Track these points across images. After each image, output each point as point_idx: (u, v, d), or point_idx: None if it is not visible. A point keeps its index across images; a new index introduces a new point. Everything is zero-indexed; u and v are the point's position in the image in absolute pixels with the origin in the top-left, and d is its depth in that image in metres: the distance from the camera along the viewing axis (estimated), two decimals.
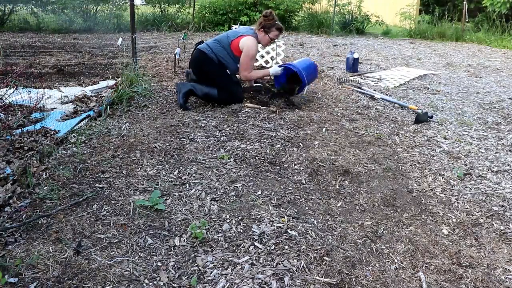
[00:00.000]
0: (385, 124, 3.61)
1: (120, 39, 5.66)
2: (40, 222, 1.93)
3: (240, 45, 3.77)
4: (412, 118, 3.79)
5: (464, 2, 10.57)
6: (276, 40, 4.20)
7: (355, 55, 5.97)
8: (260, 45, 4.06)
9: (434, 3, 12.17)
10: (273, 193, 2.30)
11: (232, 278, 1.64)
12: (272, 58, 5.87)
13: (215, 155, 2.75)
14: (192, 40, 8.06)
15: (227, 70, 3.87)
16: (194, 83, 3.82)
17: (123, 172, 2.46)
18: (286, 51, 7.08)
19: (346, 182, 2.52)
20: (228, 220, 2.03)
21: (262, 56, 5.91)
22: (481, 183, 2.60)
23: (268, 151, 2.82)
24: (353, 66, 5.98)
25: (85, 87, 4.49)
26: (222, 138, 3.02)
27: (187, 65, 5.13)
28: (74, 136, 2.92)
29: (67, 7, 10.38)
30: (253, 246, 1.83)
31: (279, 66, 4.05)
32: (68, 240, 1.81)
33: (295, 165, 2.67)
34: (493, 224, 2.17)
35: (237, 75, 4.11)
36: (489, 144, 3.27)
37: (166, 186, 2.33)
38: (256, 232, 1.93)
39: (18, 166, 2.31)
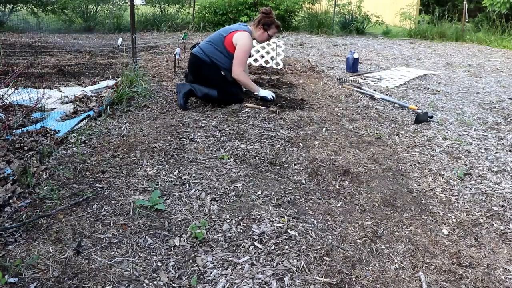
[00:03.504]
0: (385, 124, 3.61)
1: (120, 39, 5.67)
2: (40, 222, 1.93)
3: (233, 40, 3.71)
4: (412, 118, 3.79)
5: (464, 2, 10.58)
6: (272, 38, 4.13)
7: (355, 55, 5.97)
8: (255, 41, 3.98)
9: (434, 3, 12.18)
10: (273, 193, 2.30)
11: (232, 278, 1.64)
12: (272, 58, 5.86)
13: (215, 155, 2.75)
14: (192, 40, 8.07)
15: (221, 72, 3.84)
16: (193, 84, 3.82)
17: (123, 172, 2.46)
18: (286, 51, 7.09)
19: (346, 182, 2.52)
20: (228, 220, 2.03)
21: (262, 56, 5.91)
22: (481, 183, 2.60)
23: (268, 151, 2.82)
24: (353, 66, 5.98)
25: (85, 87, 4.48)
26: (222, 138, 3.02)
27: (187, 65, 5.12)
28: (74, 136, 2.92)
29: (67, 7, 10.38)
30: (253, 246, 1.83)
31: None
32: (68, 240, 1.81)
33: (295, 165, 2.67)
34: (493, 224, 2.17)
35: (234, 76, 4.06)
36: (489, 144, 3.27)
37: (166, 186, 2.33)
38: (256, 232, 1.93)
39: (18, 166, 2.31)
